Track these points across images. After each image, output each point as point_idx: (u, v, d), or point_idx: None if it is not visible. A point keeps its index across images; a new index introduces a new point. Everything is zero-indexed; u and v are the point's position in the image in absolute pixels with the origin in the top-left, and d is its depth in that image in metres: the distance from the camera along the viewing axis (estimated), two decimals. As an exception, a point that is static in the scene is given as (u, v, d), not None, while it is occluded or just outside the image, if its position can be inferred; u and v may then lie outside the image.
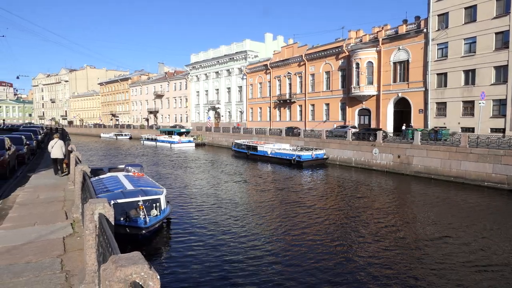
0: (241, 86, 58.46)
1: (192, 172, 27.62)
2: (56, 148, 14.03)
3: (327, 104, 43.92)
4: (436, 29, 32.14)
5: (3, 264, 5.35)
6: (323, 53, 43.35)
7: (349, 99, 40.43)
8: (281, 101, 49.93)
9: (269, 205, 16.65)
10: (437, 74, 32.54)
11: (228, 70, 60.72)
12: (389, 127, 36.73)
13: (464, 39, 30.44)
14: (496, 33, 28.40)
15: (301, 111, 47.64)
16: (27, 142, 20.48)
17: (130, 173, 15.90)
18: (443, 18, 31.76)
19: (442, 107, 32.57)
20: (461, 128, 30.57)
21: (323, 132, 33.61)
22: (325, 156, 30.94)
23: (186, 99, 72.27)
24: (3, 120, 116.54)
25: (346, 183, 22.73)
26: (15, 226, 7.32)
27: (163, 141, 55.06)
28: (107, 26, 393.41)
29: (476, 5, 29.48)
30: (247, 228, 13.14)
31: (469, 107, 30.63)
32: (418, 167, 24.10)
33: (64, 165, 14.68)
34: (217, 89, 63.95)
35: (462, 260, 10.26)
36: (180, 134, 54.87)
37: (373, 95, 37.89)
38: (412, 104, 34.61)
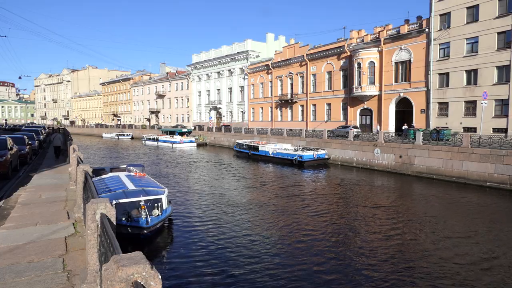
0: (243, 86, 58.48)
1: (193, 172, 27.63)
2: (56, 139, 22.33)
3: (329, 104, 43.92)
4: (438, 29, 32.08)
5: (6, 263, 5.37)
6: (324, 53, 43.32)
7: (351, 99, 40.40)
8: (283, 101, 49.93)
9: (271, 206, 16.64)
10: (439, 74, 32.48)
11: (229, 70, 60.74)
12: (391, 127, 36.69)
13: (466, 39, 30.39)
14: (498, 33, 28.34)
15: (302, 111, 47.62)
16: (29, 142, 20.52)
17: (131, 173, 15.95)
18: (445, 18, 31.71)
19: (444, 107, 32.51)
20: (463, 128, 30.51)
21: (325, 132, 33.57)
22: (326, 156, 30.89)
23: (188, 99, 72.35)
24: (5, 120, 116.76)
25: (348, 183, 22.69)
26: (17, 226, 7.34)
27: (164, 141, 55.07)
28: (109, 26, 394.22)
29: (478, 4, 29.41)
30: (248, 228, 13.14)
31: (471, 107, 30.56)
32: (420, 167, 24.04)
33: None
34: (219, 89, 63.99)
35: (470, 263, 10.23)
36: (181, 134, 54.85)
37: (375, 95, 37.85)
38: (414, 104, 34.56)
